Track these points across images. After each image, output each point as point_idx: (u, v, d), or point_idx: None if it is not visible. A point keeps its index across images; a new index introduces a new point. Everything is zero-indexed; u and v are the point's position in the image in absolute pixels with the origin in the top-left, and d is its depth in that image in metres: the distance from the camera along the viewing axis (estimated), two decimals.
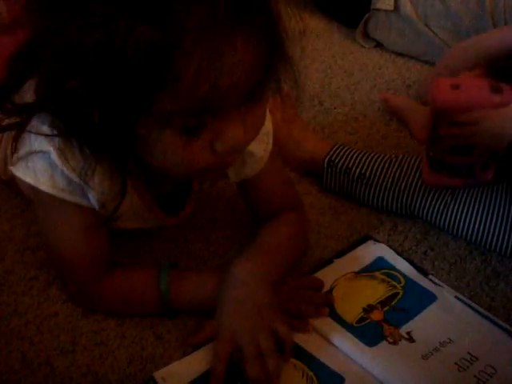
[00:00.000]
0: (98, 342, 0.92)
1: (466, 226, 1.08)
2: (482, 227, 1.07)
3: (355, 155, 1.18)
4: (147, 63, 0.65)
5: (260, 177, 0.98)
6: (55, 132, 0.77)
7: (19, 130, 0.82)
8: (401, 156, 1.16)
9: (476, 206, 1.07)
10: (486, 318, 0.96)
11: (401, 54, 1.63)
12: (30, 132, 0.79)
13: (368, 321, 0.95)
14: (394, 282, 1.01)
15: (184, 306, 0.94)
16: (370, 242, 1.08)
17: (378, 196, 1.15)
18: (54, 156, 0.79)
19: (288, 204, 1.04)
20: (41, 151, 0.80)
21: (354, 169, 1.16)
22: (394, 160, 1.15)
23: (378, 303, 0.98)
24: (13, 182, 0.93)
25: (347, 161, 1.17)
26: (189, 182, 0.96)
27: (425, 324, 0.95)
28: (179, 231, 1.08)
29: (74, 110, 0.73)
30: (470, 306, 0.98)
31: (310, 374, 0.88)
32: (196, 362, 0.89)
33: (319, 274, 1.01)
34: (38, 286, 0.99)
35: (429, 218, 1.12)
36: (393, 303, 0.98)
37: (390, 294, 0.99)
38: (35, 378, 0.88)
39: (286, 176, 1.12)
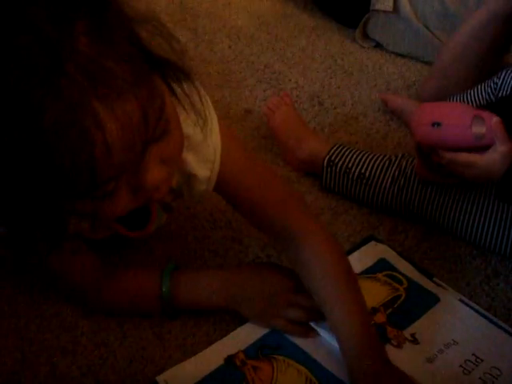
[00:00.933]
0: (99, 342, 0.92)
1: (465, 227, 1.08)
2: (481, 228, 1.07)
3: (355, 155, 1.18)
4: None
5: (227, 179, 0.90)
6: None
7: None
8: (400, 155, 1.16)
9: (475, 207, 1.07)
10: (489, 320, 0.97)
11: (400, 54, 1.63)
12: None
13: (371, 323, 0.95)
14: (396, 284, 1.01)
15: (185, 306, 0.94)
16: (372, 243, 1.08)
17: (378, 195, 1.15)
18: None
19: (282, 202, 0.94)
20: None
21: (353, 169, 1.16)
22: (393, 159, 1.16)
23: (380, 305, 0.98)
24: None
25: (347, 161, 1.17)
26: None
27: (429, 326, 0.95)
28: (179, 231, 1.08)
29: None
30: (473, 308, 0.98)
31: (314, 379, 0.88)
32: (199, 365, 0.89)
33: None
34: (39, 286, 0.99)
35: (428, 217, 1.12)
36: (396, 305, 0.98)
37: (392, 296, 0.99)
38: (36, 378, 0.88)
39: (267, 172, 0.99)
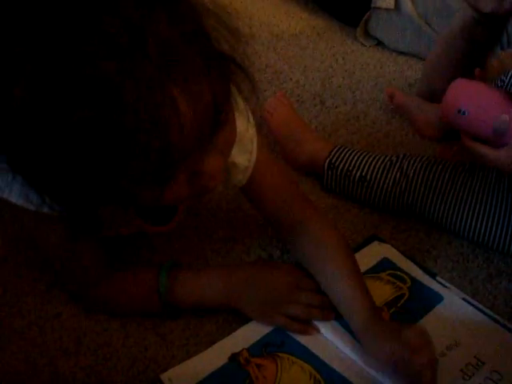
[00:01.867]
0: (102, 343, 0.92)
1: (468, 226, 1.08)
2: (484, 227, 1.07)
3: (355, 157, 1.17)
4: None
5: (257, 181, 0.96)
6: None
7: None
8: (401, 156, 1.16)
9: (478, 206, 1.07)
10: (493, 319, 0.96)
11: (402, 53, 1.63)
12: None
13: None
14: (399, 283, 1.01)
15: (185, 306, 0.94)
16: (375, 243, 1.08)
17: (379, 198, 1.14)
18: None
19: (296, 203, 1.00)
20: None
21: (354, 171, 1.16)
22: (394, 161, 1.15)
23: (384, 305, 0.97)
24: None
25: (347, 163, 1.17)
26: None
27: (431, 326, 0.94)
28: (182, 230, 1.08)
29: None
30: (477, 307, 0.98)
31: (317, 376, 0.88)
32: (203, 363, 0.89)
33: None
34: (41, 287, 0.99)
35: (430, 218, 1.12)
36: (399, 304, 0.98)
37: (396, 295, 0.99)
38: (39, 379, 0.88)
39: (288, 175, 1.08)
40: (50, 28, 0.59)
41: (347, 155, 1.18)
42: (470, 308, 0.98)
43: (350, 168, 1.16)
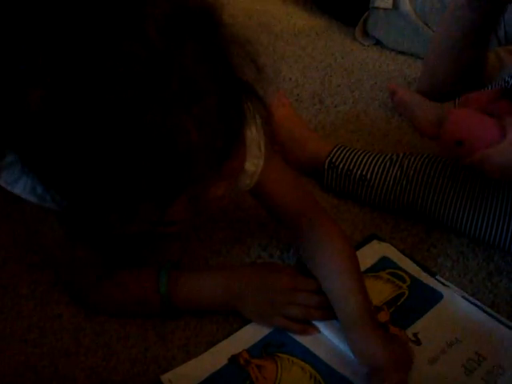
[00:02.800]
0: (102, 344, 0.92)
1: (469, 223, 1.08)
2: (484, 224, 1.07)
3: (356, 156, 1.17)
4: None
5: (264, 182, 0.96)
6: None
7: None
8: (401, 155, 1.16)
9: (479, 202, 1.07)
10: (493, 317, 0.97)
11: (401, 52, 1.63)
12: None
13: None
14: (399, 282, 1.01)
15: (185, 306, 0.94)
16: (375, 242, 1.08)
17: (380, 197, 1.14)
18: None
19: (304, 202, 1.02)
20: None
21: (354, 171, 1.16)
22: (394, 159, 1.15)
23: (383, 304, 0.97)
24: None
25: (348, 162, 1.17)
26: None
27: (432, 324, 0.95)
28: (182, 231, 1.08)
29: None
30: (476, 305, 0.98)
31: (318, 376, 0.88)
32: (203, 364, 0.89)
33: None
34: (41, 288, 0.99)
35: (431, 216, 1.12)
36: (399, 303, 0.98)
37: (396, 293, 0.99)
38: (39, 380, 0.88)
39: (294, 176, 1.07)
40: (76, 46, 0.60)
41: (347, 154, 1.18)
42: (470, 306, 0.98)
43: (351, 167, 1.16)
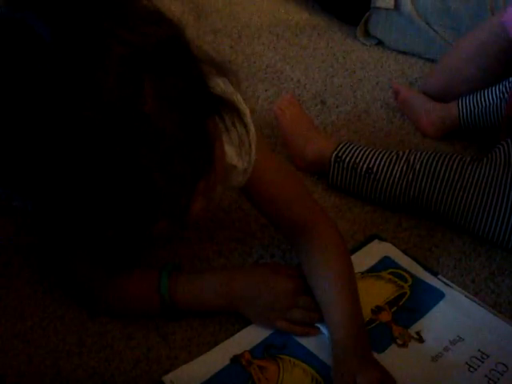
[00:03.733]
0: (104, 344, 0.92)
1: (474, 218, 1.08)
2: (489, 219, 1.07)
3: (362, 151, 1.17)
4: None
5: (256, 181, 0.95)
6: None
7: None
8: (407, 150, 1.16)
9: (485, 198, 1.07)
10: (494, 313, 0.97)
11: (402, 52, 1.63)
12: None
13: (377, 322, 0.95)
14: (401, 282, 1.01)
15: (187, 308, 0.94)
16: (376, 241, 1.08)
17: (386, 190, 1.14)
18: None
19: (297, 204, 1.00)
20: None
21: (361, 164, 1.16)
22: (400, 154, 1.15)
23: (385, 304, 0.98)
24: None
25: (354, 156, 1.17)
26: None
27: (434, 322, 0.95)
28: (183, 232, 1.08)
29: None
30: (478, 304, 0.98)
31: (319, 378, 0.88)
32: (205, 365, 0.89)
33: None
34: (44, 289, 0.99)
35: (436, 210, 1.11)
36: (401, 303, 0.98)
37: (397, 293, 0.99)
38: (42, 381, 0.88)
39: (291, 174, 1.07)
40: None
41: (354, 149, 1.18)
42: (472, 304, 0.98)
43: (357, 161, 1.16)
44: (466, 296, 0.99)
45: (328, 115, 1.41)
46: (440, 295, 0.99)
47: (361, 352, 0.86)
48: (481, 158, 1.13)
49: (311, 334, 0.92)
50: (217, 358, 0.89)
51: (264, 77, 1.53)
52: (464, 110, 1.29)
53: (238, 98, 0.81)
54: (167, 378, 0.87)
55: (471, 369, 0.89)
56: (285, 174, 1.02)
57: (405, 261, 1.05)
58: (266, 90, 1.48)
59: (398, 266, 1.04)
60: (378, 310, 0.96)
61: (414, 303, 0.98)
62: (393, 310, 0.97)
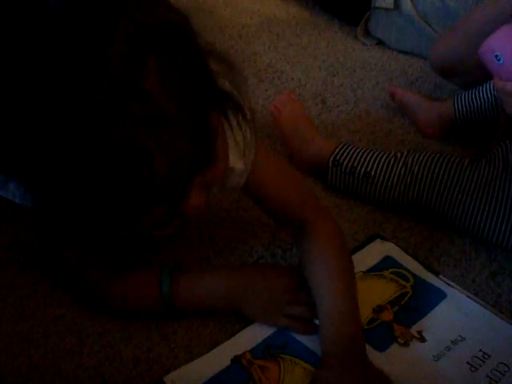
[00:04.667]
0: (105, 344, 0.92)
1: (473, 220, 1.08)
2: (488, 221, 1.07)
3: (360, 154, 1.17)
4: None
5: (257, 181, 0.96)
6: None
7: None
8: (405, 152, 1.16)
9: (484, 200, 1.07)
10: (496, 314, 0.97)
11: (403, 51, 1.63)
12: None
13: (378, 321, 0.95)
14: (402, 281, 1.01)
15: (187, 307, 0.94)
16: (378, 241, 1.08)
17: (384, 194, 1.14)
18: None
19: (298, 202, 1.00)
20: None
21: (359, 168, 1.16)
22: (398, 157, 1.15)
23: (387, 303, 0.97)
24: None
25: (352, 160, 1.17)
26: None
27: (436, 322, 0.95)
28: (184, 231, 1.08)
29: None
30: (480, 304, 0.98)
31: None
32: (206, 365, 0.89)
33: None
34: (44, 288, 0.99)
35: (435, 213, 1.11)
36: (402, 302, 0.98)
37: (399, 293, 0.99)
38: (42, 381, 0.88)
39: (291, 173, 1.06)
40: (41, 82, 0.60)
41: (352, 152, 1.18)
42: (474, 304, 0.98)
43: (355, 164, 1.16)
44: (467, 296, 0.99)
45: (328, 115, 1.41)
46: (442, 295, 0.99)
47: (351, 351, 0.86)
48: (479, 159, 1.12)
49: (312, 332, 0.92)
50: (218, 359, 0.89)
51: (264, 76, 1.53)
52: (460, 107, 1.29)
53: (243, 99, 0.81)
54: (168, 377, 0.87)
55: (472, 368, 0.89)
56: (285, 172, 1.02)
57: (407, 260, 1.05)
58: (266, 90, 1.48)
59: (400, 266, 1.04)
60: (379, 309, 0.96)
61: (415, 303, 0.97)
62: (394, 309, 0.97)
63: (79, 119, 0.59)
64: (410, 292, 0.99)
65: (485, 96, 1.25)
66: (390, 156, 1.16)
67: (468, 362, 0.89)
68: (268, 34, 1.70)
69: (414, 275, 1.02)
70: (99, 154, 0.60)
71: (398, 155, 1.16)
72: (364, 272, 1.02)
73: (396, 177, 1.13)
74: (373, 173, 1.15)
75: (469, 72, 1.32)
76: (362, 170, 1.15)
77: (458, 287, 1.01)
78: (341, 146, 1.20)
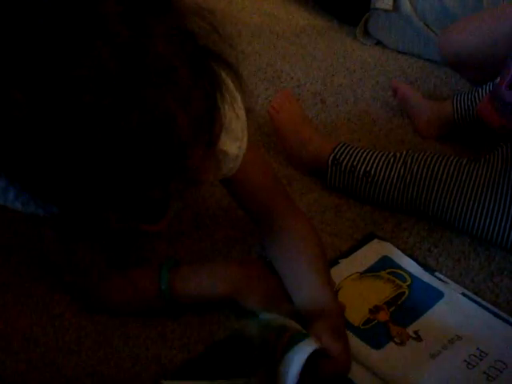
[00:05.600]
0: (103, 343, 0.92)
1: (473, 220, 1.08)
2: (487, 221, 1.07)
3: (359, 153, 1.17)
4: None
5: (242, 173, 0.96)
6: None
7: None
8: (405, 152, 1.16)
9: (482, 199, 1.07)
10: (493, 313, 0.97)
11: (402, 52, 1.63)
12: None
13: (374, 322, 0.95)
14: (399, 281, 1.01)
15: (186, 300, 0.94)
16: (375, 241, 1.09)
17: (384, 193, 1.14)
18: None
19: (277, 199, 1.02)
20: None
21: (358, 167, 1.16)
22: (398, 156, 1.15)
23: (384, 303, 0.98)
24: None
25: (352, 159, 1.17)
26: None
27: (432, 322, 0.95)
28: (183, 230, 1.08)
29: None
30: (476, 301, 0.99)
31: None
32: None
33: None
34: (43, 287, 0.99)
35: (434, 212, 1.11)
36: (399, 302, 0.98)
37: (396, 293, 0.99)
38: (41, 379, 0.88)
39: (272, 171, 1.08)
40: (47, 52, 0.59)
41: (351, 151, 1.18)
42: (470, 303, 0.98)
43: (355, 163, 1.16)
44: (464, 294, 0.99)
45: (328, 114, 1.41)
46: (439, 295, 0.99)
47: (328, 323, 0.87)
48: (478, 158, 1.13)
49: None
50: None
51: (264, 76, 1.53)
52: (459, 108, 1.29)
53: (231, 86, 0.81)
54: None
55: (469, 366, 0.89)
56: (267, 172, 1.03)
57: (404, 260, 1.05)
58: (265, 89, 1.48)
59: (397, 266, 1.04)
60: (375, 309, 0.96)
61: (412, 303, 0.98)
62: (391, 309, 0.97)
63: (94, 83, 0.58)
64: (407, 292, 1.00)
65: (484, 97, 1.25)
66: (390, 155, 1.16)
67: (465, 360, 0.90)
68: (267, 34, 1.70)
69: (411, 275, 1.02)
70: (129, 123, 0.59)
71: (398, 155, 1.16)
72: (361, 273, 1.02)
73: (395, 176, 1.13)
74: (372, 172, 1.15)
75: (480, 67, 1.32)
76: (362, 169, 1.15)
77: (454, 284, 1.01)
78: (340, 145, 1.20)
